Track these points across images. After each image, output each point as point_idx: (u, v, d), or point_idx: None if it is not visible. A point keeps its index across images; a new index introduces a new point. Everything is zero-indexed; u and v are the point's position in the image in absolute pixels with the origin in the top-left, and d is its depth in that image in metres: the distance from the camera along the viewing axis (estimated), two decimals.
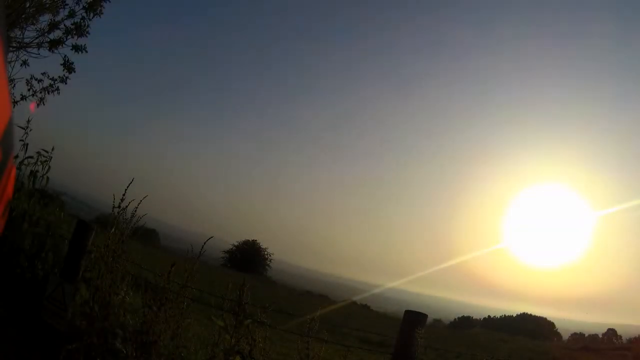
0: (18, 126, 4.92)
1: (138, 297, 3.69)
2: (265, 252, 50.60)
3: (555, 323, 48.86)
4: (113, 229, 3.62)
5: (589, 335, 41.30)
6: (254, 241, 50.73)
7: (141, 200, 3.66)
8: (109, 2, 8.74)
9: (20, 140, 5.07)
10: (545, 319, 49.09)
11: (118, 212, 3.63)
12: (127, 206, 3.62)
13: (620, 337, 39.19)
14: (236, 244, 49.89)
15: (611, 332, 41.11)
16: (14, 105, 8.04)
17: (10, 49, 7.98)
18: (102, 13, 8.66)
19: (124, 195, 3.62)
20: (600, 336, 40.97)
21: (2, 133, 1.37)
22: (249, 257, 48.18)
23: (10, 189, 1.65)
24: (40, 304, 3.66)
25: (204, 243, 3.57)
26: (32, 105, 5.08)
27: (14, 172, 1.72)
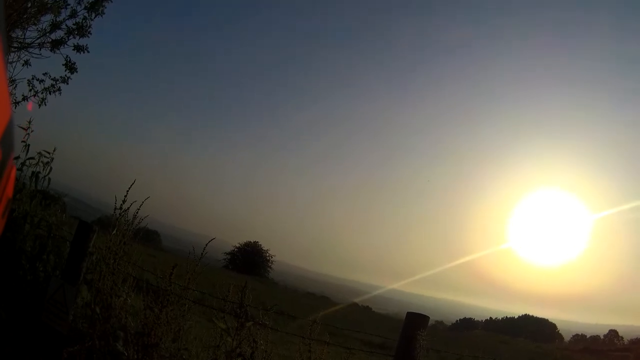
0: (19, 127, 4.90)
1: (139, 299, 3.68)
2: (267, 254, 50.54)
3: (557, 324, 48.73)
4: (115, 231, 3.61)
5: (591, 337, 41.23)
6: (255, 243, 50.70)
7: (143, 202, 3.66)
8: (111, 2, 8.74)
9: (22, 141, 5.05)
10: (547, 320, 48.96)
11: (120, 214, 3.62)
12: (128, 208, 3.62)
13: (622, 338, 39.06)
14: (238, 245, 49.85)
15: (613, 334, 41.00)
16: (16, 106, 8.03)
17: (12, 49, 7.98)
18: (103, 13, 8.66)
19: (125, 196, 3.63)
20: (602, 337, 40.87)
21: (2, 133, 1.37)
22: (250, 258, 48.12)
23: (10, 189, 1.64)
24: (42, 306, 3.64)
25: (206, 245, 3.57)
26: (29, 105, 5.05)
27: (14, 172, 1.71)
